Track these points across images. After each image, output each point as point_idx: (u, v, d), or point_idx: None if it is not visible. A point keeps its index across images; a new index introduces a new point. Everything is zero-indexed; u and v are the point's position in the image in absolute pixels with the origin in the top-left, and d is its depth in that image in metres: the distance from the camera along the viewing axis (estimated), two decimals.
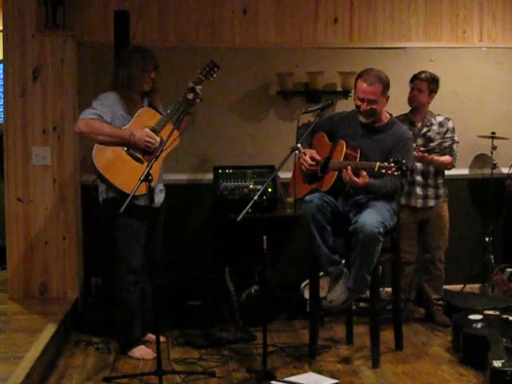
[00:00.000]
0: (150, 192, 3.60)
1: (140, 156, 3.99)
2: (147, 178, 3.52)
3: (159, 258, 4.26)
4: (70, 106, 4.76)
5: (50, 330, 3.97)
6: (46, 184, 4.75)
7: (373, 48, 5.35)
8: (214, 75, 4.11)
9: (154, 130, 4.02)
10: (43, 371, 3.68)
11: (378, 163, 3.71)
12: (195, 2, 5.22)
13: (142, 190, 3.62)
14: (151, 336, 4.25)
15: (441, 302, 4.82)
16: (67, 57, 4.73)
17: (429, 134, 4.71)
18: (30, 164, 4.72)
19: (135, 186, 3.52)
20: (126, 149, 3.98)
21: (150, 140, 3.96)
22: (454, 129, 4.73)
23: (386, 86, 4.01)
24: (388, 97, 4.05)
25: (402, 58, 5.34)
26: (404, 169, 3.63)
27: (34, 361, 3.46)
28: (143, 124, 4.03)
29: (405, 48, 5.39)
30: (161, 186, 4.20)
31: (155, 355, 3.79)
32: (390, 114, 4.16)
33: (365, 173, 3.80)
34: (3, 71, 4.78)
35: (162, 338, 4.19)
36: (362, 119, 4.06)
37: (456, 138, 4.73)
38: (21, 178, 4.72)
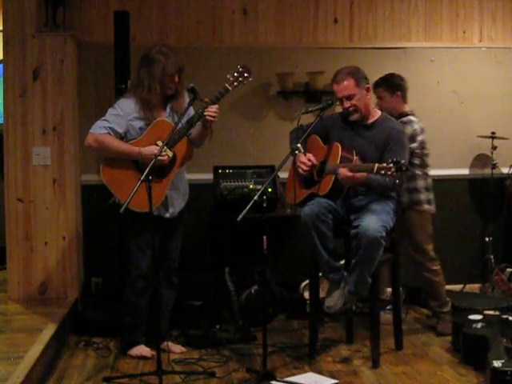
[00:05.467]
0: (150, 193, 3.56)
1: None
2: (147, 179, 3.50)
3: (176, 266, 4.19)
4: (70, 106, 4.77)
5: (50, 330, 3.97)
6: (46, 184, 4.75)
7: (373, 48, 5.34)
8: (245, 82, 3.93)
9: (167, 144, 3.85)
10: (43, 371, 3.68)
11: (376, 164, 3.66)
12: (195, 2, 5.22)
13: (143, 206, 3.61)
14: (170, 346, 4.10)
15: None
16: (67, 57, 4.74)
17: None
18: (30, 164, 4.72)
19: (135, 186, 3.50)
20: (134, 165, 3.89)
21: (161, 158, 3.80)
22: None
23: (358, 78, 3.96)
24: (368, 88, 4.01)
25: (402, 58, 5.34)
26: (403, 169, 3.62)
27: (34, 361, 3.46)
28: (157, 137, 3.87)
29: (405, 48, 5.38)
30: (176, 197, 4.08)
31: (153, 353, 3.79)
32: (382, 111, 4.14)
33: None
34: (3, 71, 4.78)
35: (182, 349, 4.20)
36: (352, 118, 4.02)
37: None
38: (21, 178, 4.72)
